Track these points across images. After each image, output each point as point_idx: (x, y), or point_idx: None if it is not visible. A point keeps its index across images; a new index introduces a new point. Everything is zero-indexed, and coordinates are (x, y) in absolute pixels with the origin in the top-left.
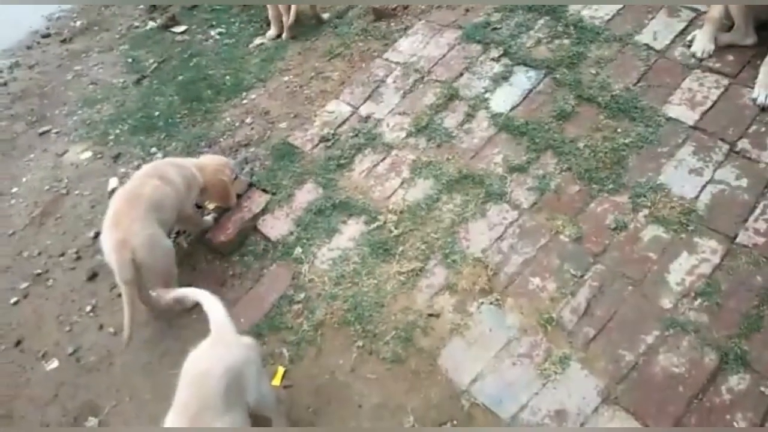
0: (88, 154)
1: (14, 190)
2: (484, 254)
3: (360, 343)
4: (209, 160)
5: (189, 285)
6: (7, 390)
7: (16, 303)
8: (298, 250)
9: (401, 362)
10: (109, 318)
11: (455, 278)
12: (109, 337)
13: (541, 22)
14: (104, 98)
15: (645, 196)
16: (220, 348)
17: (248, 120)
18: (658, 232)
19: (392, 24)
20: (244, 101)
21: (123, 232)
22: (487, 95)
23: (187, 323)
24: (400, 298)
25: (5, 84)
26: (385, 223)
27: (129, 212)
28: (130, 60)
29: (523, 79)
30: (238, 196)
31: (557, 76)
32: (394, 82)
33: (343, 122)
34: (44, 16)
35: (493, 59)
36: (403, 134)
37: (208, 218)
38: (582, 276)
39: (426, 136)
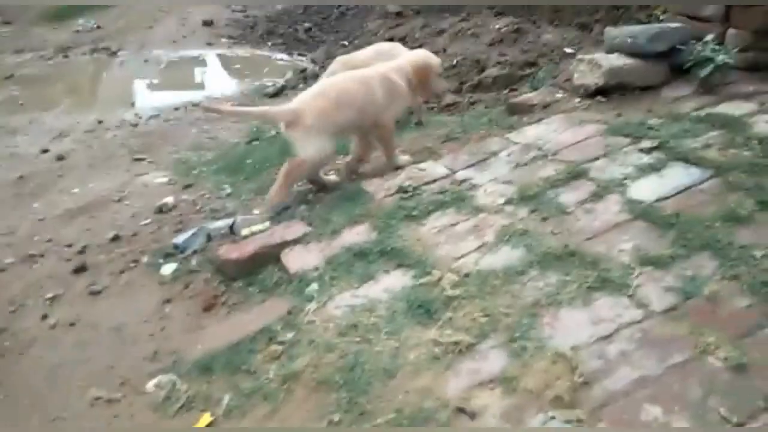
0: (163, 179)
1: (75, 190)
2: (574, 352)
3: (336, 418)
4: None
5: (168, 301)
6: None
7: None
8: (314, 286)
9: None
10: (62, 314)
11: (518, 371)
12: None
13: (715, 133)
14: (211, 149)
15: None
16: None
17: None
18: None
19: (525, 118)
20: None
21: (304, 114)
22: (626, 181)
23: None
24: (423, 374)
25: (136, 125)
26: (439, 280)
27: (324, 99)
28: (254, 129)
29: (680, 173)
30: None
31: (730, 179)
32: (509, 155)
33: (433, 181)
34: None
35: (642, 150)
36: (502, 200)
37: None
38: (742, 424)
39: (530, 207)
